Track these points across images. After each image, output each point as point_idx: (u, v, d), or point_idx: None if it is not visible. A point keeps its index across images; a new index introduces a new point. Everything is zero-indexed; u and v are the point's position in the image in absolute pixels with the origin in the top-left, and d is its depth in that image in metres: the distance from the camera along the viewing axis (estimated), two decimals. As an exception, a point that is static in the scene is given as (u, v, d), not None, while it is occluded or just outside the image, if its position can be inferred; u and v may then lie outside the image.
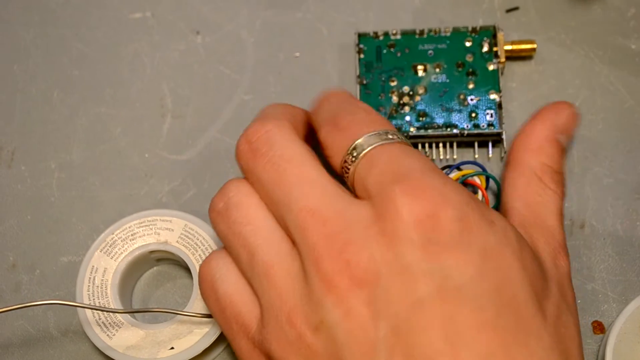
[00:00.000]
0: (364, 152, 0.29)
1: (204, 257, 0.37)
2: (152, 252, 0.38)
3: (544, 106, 0.34)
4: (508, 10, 0.43)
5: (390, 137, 0.29)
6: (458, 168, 0.38)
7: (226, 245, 0.30)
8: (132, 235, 0.38)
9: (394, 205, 0.26)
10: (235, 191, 0.30)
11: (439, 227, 0.26)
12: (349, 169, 0.29)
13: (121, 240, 0.38)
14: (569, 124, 0.34)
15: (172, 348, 0.35)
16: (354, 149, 0.29)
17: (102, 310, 0.36)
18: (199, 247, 0.37)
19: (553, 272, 0.29)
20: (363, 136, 0.29)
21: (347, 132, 0.30)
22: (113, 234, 0.38)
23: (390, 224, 0.26)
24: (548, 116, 0.34)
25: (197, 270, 0.37)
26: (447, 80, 0.41)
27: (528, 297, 0.26)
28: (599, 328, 0.37)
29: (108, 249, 0.37)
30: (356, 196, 0.29)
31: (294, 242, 0.28)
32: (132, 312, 0.36)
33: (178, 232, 0.38)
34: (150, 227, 0.38)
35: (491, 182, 0.38)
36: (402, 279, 0.26)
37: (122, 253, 0.37)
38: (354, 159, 0.29)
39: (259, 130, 0.30)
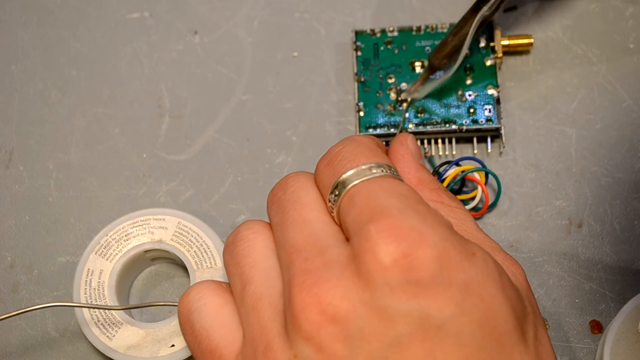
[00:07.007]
0: (344, 190, 0.29)
1: (199, 254, 0.37)
2: (146, 251, 0.38)
3: (393, 142, 0.35)
4: (506, 10, 0.43)
5: (374, 171, 0.29)
6: (457, 164, 0.38)
7: (228, 275, 0.31)
8: (126, 235, 0.38)
9: (369, 245, 0.26)
10: (244, 227, 0.31)
11: (417, 267, 0.25)
12: (332, 209, 0.29)
13: (115, 242, 0.38)
14: (415, 146, 0.35)
15: (173, 345, 0.35)
16: (336, 187, 0.29)
17: (100, 309, 0.36)
18: (194, 244, 0.37)
19: (519, 286, 0.29)
20: (346, 172, 0.29)
21: (333, 167, 0.30)
22: (107, 235, 0.38)
23: (366, 265, 0.26)
24: (401, 150, 0.34)
25: (194, 267, 0.37)
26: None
27: (511, 325, 0.26)
28: (597, 327, 0.37)
29: (102, 251, 0.37)
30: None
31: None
32: (130, 308, 0.36)
33: (172, 230, 0.38)
34: (144, 226, 0.38)
35: (490, 177, 0.38)
36: (379, 318, 0.25)
37: (117, 254, 0.37)
38: (336, 197, 0.29)
39: (282, 179, 0.32)
